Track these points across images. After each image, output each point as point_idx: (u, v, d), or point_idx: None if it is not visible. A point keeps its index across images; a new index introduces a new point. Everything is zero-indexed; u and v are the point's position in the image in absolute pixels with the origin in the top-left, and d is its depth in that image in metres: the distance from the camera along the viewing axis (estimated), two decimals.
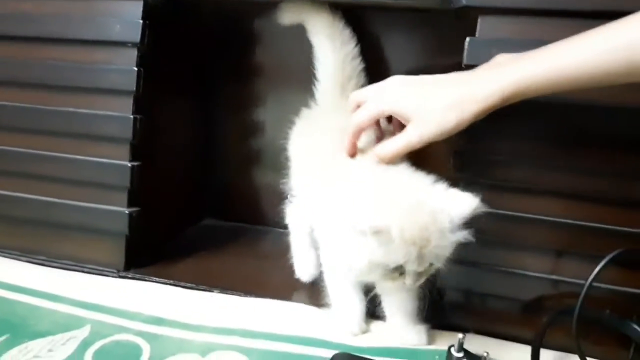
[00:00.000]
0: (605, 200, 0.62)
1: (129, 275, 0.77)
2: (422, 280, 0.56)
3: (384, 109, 0.57)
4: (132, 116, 0.74)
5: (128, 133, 0.75)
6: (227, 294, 0.74)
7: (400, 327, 0.65)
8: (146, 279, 0.77)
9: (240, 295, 0.73)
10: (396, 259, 0.52)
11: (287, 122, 0.80)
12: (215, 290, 0.74)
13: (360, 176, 0.59)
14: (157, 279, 0.77)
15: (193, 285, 0.76)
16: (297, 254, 0.79)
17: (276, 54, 0.93)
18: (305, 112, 0.79)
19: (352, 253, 0.54)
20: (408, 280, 0.54)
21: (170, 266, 0.81)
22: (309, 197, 0.69)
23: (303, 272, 0.77)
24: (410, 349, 0.63)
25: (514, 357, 0.61)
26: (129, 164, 0.75)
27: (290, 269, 0.79)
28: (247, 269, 0.84)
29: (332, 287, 0.68)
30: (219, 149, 1.01)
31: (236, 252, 0.90)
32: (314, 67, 0.80)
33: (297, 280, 0.78)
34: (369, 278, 0.57)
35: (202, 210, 1.04)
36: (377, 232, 0.50)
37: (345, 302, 0.67)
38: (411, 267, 0.53)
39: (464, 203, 0.53)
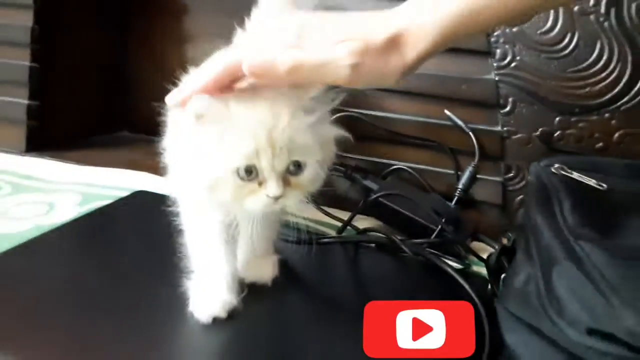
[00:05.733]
0: None
1: (29, 155, 0.97)
2: (294, 199, 0.46)
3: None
4: (30, 25, 0.94)
5: (27, 39, 0.95)
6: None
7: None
8: (43, 156, 0.97)
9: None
10: (244, 148, 0.43)
11: None
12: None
13: None
14: (49, 158, 0.96)
15: (75, 162, 0.95)
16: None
17: None
18: None
19: (203, 163, 0.45)
20: (270, 187, 0.44)
21: (66, 151, 1.00)
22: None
23: None
24: None
25: None
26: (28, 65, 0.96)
27: None
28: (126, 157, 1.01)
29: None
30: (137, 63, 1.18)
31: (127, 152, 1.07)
32: None
33: None
34: (225, 195, 0.46)
35: (118, 123, 1.22)
36: (200, 108, 0.43)
37: None
38: (266, 162, 0.43)
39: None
